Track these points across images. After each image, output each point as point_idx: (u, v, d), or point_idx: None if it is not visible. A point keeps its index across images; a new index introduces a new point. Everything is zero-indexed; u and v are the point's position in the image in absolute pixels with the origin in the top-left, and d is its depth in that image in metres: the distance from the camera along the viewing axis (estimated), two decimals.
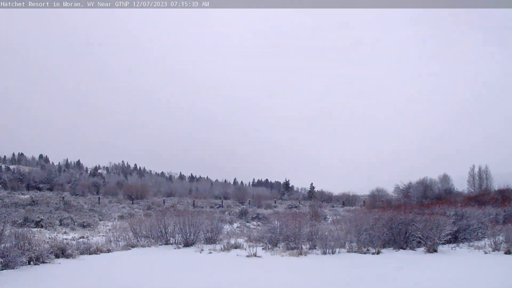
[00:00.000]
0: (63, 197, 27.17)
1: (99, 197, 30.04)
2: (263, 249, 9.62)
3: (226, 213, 20.80)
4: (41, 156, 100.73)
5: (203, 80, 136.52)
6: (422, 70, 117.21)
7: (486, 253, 8.89)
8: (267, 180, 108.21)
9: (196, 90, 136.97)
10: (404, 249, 9.54)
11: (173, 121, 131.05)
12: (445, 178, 36.61)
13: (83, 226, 14.51)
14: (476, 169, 38.04)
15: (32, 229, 11.68)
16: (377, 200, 34.41)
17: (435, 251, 9.08)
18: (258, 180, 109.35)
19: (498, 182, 35.74)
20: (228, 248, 9.57)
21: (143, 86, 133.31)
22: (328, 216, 19.56)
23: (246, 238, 11.41)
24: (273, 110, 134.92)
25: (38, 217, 14.43)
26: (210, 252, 9.25)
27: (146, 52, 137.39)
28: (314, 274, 6.84)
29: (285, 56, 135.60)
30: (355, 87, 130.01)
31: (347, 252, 9.21)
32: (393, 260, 7.99)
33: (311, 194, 45.38)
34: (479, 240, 10.72)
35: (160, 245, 10.43)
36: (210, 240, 10.66)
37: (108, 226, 14.96)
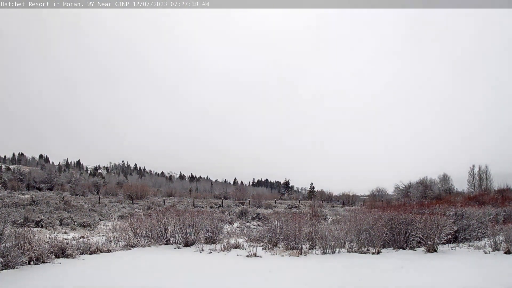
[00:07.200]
0: (63, 197, 27.21)
1: (99, 197, 30.07)
2: (263, 249, 9.63)
3: (226, 213, 20.79)
4: (41, 156, 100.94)
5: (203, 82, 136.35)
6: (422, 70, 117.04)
7: (486, 253, 8.88)
8: (267, 180, 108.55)
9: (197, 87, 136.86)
10: (404, 249, 9.54)
11: (173, 121, 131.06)
12: (445, 178, 36.75)
13: (83, 226, 14.52)
14: (476, 169, 38.19)
15: (32, 229, 11.69)
16: (377, 200, 34.47)
17: (435, 251, 9.09)
18: (258, 180, 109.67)
19: (498, 182, 35.93)
20: (228, 248, 9.57)
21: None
22: (328, 216, 19.56)
23: (246, 238, 11.41)
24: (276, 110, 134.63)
25: (38, 217, 14.45)
26: (210, 252, 9.25)
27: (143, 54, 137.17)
28: (314, 274, 6.84)
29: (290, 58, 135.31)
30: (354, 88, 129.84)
31: (347, 252, 9.21)
32: (393, 260, 7.98)
33: (311, 194, 45.47)
34: (479, 240, 10.72)
35: (160, 245, 10.44)
36: (210, 240, 10.66)
37: (108, 226, 14.96)
